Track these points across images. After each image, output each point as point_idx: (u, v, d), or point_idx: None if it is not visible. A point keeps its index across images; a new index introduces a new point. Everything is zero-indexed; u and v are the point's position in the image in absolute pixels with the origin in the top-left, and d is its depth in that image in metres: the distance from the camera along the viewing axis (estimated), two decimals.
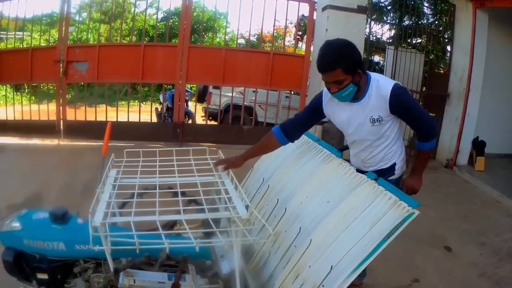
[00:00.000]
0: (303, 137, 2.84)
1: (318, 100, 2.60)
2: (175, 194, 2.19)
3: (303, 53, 7.62)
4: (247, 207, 2.54)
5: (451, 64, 7.61)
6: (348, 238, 1.88)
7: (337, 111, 2.51)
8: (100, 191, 2.03)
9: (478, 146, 7.27)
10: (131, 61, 6.89)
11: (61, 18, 6.87)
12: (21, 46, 7.05)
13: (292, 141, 2.64)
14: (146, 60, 6.90)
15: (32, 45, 7.43)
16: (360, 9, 6.46)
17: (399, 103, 2.30)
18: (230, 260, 2.07)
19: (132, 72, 6.95)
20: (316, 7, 7.12)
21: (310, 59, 7.37)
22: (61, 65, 6.74)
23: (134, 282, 1.94)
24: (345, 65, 2.20)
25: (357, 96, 2.36)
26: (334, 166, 2.39)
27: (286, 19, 7.41)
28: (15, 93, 9.17)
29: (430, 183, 6.11)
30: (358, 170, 2.42)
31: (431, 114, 7.61)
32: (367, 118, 2.36)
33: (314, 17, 7.21)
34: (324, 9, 6.58)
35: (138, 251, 1.70)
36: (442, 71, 9.05)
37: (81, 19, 11.63)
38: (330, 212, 2.07)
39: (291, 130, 2.59)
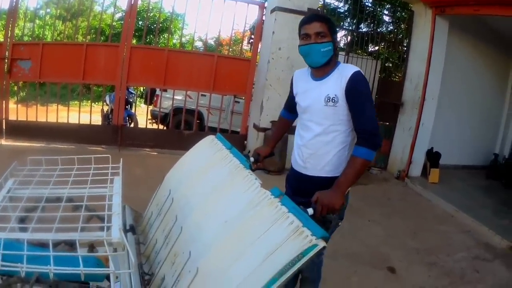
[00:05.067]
0: (218, 143, 2.57)
1: (291, 79, 2.61)
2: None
3: (250, 57, 7.34)
4: (131, 227, 2.29)
5: (406, 72, 7.43)
6: (239, 269, 1.55)
7: (300, 84, 2.48)
8: None
9: (433, 157, 7.11)
10: (73, 61, 6.56)
11: (8, 13, 6.47)
12: None
13: (297, 114, 2.62)
14: (88, 60, 6.56)
15: None
16: (311, 12, 6.14)
17: (355, 86, 2.18)
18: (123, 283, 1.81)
19: (73, 72, 6.61)
20: (265, 10, 6.85)
21: (257, 63, 7.10)
22: (6, 62, 6.39)
23: None
24: (330, 25, 2.26)
25: (323, 73, 2.32)
26: (239, 179, 2.06)
27: (245, 23, 7.16)
28: None
29: (379, 196, 5.89)
30: (299, 176, 2.39)
31: (385, 123, 7.43)
32: (323, 95, 2.26)
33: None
34: (272, 11, 6.33)
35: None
36: (397, 79, 8.86)
37: (42, 15, 11.24)
38: (225, 235, 1.76)
39: (290, 108, 2.72)
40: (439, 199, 6.12)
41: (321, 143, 2.30)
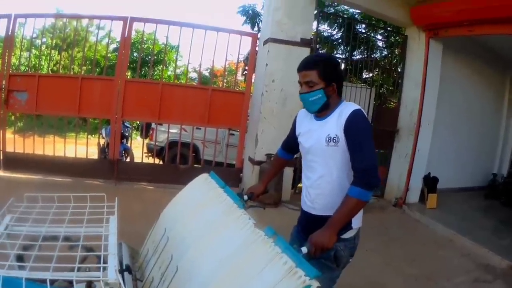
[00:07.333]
0: (212, 182, 2.57)
1: (294, 119, 2.62)
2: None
3: (244, 89, 7.35)
4: (127, 267, 2.25)
5: (401, 98, 7.45)
6: None
7: (304, 125, 2.48)
8: None
9: (430, 182, 7.10)
10: (69, 94, 6.60)
11: (5, 44, 6.55)
12: None
13: (294, 154, 2.80)
14: (83, 93, 6.60)
15: None
16: (304, 42, 6.26)
17: (352, 124, 2.17)
18: None
19: (69, 105, 6.63)
20: (258, 41, 6.93)
21: (251, 94, 7.12)
22: (2, 92, 6.46)
23: None
24: (321, 69, 2.24)
25: (323, 114, 2.32)
26: (232, 219, 2.08)
27: (239, 54, 7.20)
28: None
29: (377, 224, 5.83)
30: (309, 216, 2.37)
31: (380, 150, 7.42)
32: (324, 135, 2.25)
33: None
34: (265, 42, 6.39)
35: None
36: (392, 105, 8.90)
37: (38, 44, 11.35)
38: (220, 274, 1.76)
39: (287, 148, 2.76)
40: (437, 224, 6.08)
41: (327, 183, 2.28)
